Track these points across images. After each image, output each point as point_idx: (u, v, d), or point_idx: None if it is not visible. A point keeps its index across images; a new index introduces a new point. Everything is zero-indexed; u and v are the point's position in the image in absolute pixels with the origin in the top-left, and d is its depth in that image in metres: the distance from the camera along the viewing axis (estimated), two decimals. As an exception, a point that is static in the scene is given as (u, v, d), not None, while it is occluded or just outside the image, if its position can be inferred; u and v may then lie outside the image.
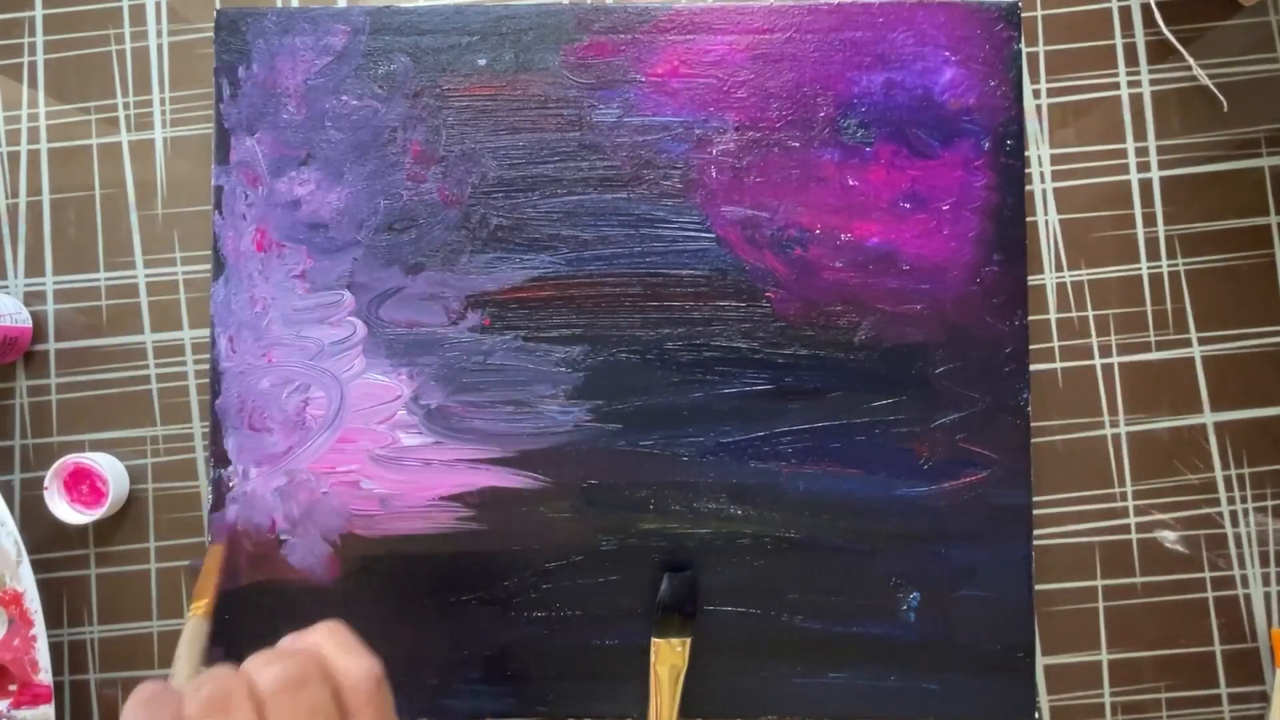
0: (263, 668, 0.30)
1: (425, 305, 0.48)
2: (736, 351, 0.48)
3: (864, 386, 0.48)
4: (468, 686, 0.47)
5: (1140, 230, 0.50)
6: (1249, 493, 0.49)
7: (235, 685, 0.29)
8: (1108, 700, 0.48)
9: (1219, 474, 0.49)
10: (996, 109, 0.48)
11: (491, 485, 0.48)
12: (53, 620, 0.49)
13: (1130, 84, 0.50)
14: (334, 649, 0.32)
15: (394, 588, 0.48)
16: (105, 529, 0.50)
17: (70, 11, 0.51)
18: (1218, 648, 0.49)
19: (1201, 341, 0.49)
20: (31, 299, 0.50)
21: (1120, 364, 0.49)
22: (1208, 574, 0.49)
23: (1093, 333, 0.49)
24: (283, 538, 0.48)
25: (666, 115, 0.48)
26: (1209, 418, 0.49)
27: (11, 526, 0.47)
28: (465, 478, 0.48)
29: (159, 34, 0.51)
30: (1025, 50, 0.50)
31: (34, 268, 0.50)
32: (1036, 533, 0.48)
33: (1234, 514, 0.49)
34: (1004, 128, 0.48)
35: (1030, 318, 0.48)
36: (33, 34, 0.51)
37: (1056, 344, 0.49)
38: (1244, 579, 0.49)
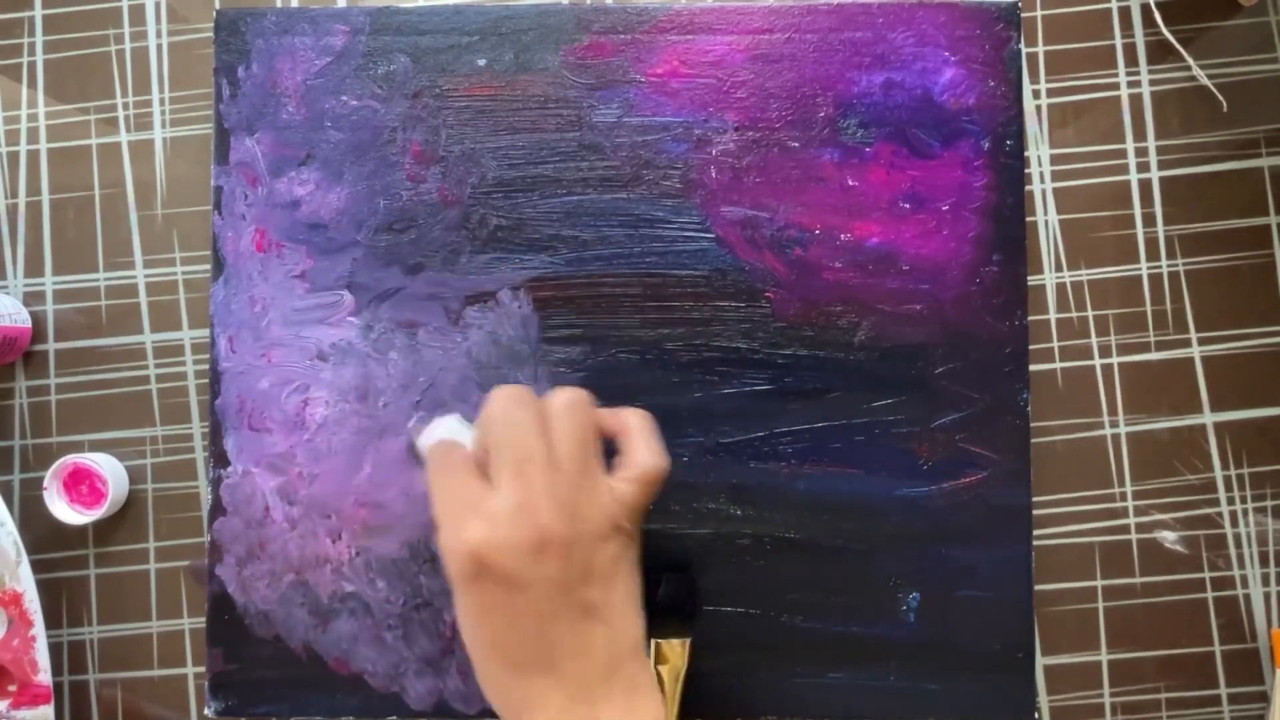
0: (558, 389, 0.38)
1: (425, 305, 0.48)
2: (736, 351, 0.48)
3: (864, 386, 0.48)
4: (469, 685, 0.47)
5: (1140, 230, 0.50)
6: (1249, 493, 0.49)
7: (528, 393, 0.38)
8: (1108, 700, 0.49)
9: (1219, 474, 0.49)
10: (996, 109, 0.48)
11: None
12: (52, 620, 0.49)
13: (1130, 84, 0.50)
14: (639, 425, 0.39)
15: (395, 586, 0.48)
16: (105, 529, 0.50)
17: (70, 11, 0.51)
18: (1218, 648, 0.49)
19: (1201, 341, 0.49)
20: (31, 299, 0.50)
21: (1120, 364, 0.49)
22: (1208, 574, 0.49)
23: (1092, 333, 0.49)
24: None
25: (666, 115, 0.48)
26: (1209, 418, 0.49)
27: (11, 527, 0.47)
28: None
29: (159, 34, 0.51)
30: (1025, 50, 0.50)
31: (34, 268, 0.50)
32: (1036, 533, 0.48)
33: (1234, 514, 0.49)
34: (1004, 128, 0.48)
35: (1030, 318, 0.48)
36: (32, 34, 0.51)
37: (1056, 344, 0.49)
38: (1244, 579, 0.49)
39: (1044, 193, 0.50)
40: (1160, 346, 0.49)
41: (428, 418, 0.47)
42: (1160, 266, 0.50)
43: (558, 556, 0.34)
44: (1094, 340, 0.49)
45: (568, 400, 0.38)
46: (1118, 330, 0.49)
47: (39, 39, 0.51)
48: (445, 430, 0.41)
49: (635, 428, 0.39)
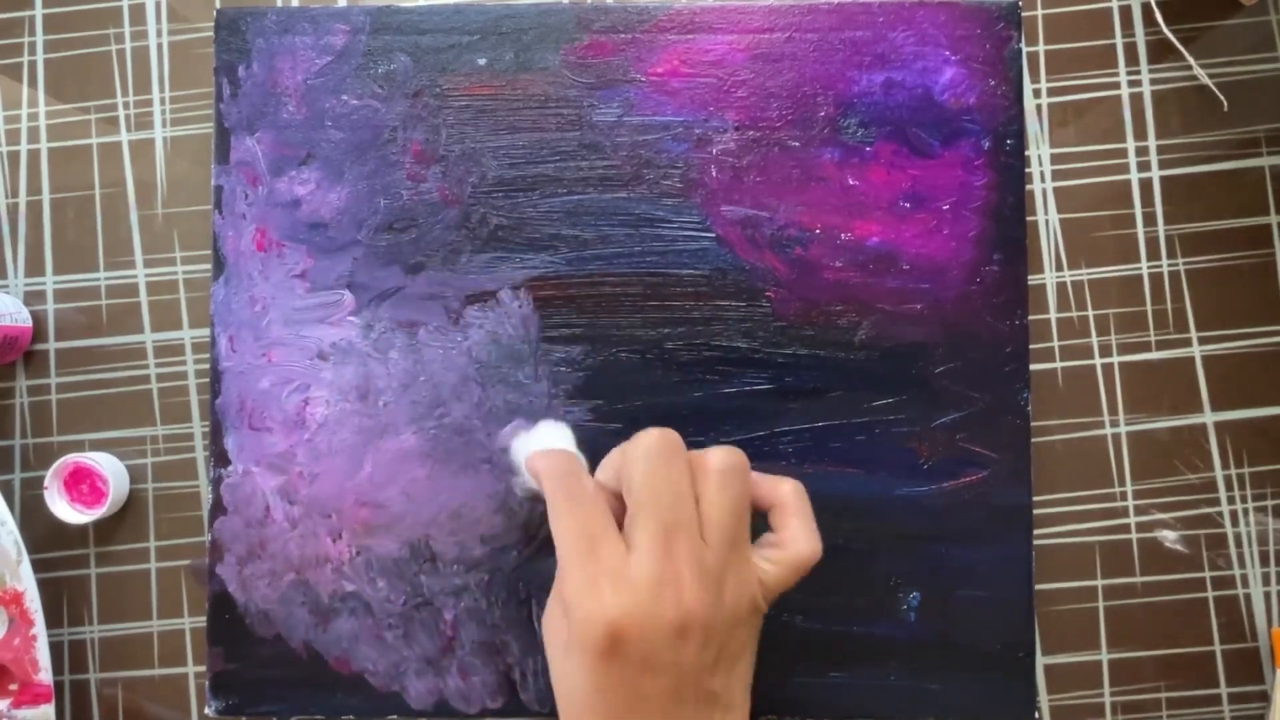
0: (716, 449, 0.34)
1: (425, 305, 0.48)
2: (737, 351, 0.48)
3: (864, 386, 0.48)
4: (469, 685, 0.47)
5: (1140, 230, 0.50)
6: (1249, 493, 0.49)
7: (680, 443, 0.34)
8: (1108, 700, 0.49)
9: (1219, 474, 0.49)
10: (997, 108, 0.48)
11: (491, 485, 0.48)
12: (53, 620, 0.49)
13: (1130, 84, 0.50)
14: (796, 504, 0.36)
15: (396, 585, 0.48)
16: (105, 529, 0.50)
17: (70, 11, 0.51)
18: (1218, 648, 0.49)
19: (1201, 341, 0.49)
20: (31, 299, 0.50)
21: (1120, 364, 0.49)
22: (1208, 574, 0.49)
23: (1093, 332, 0.49)
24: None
25: (666, 115, 0.48)
26: (1209, 418, 0.49)
27: (12, 526, 0.47)
28: (465, 477, 0.48)
29: (159, 34, 0.51)
30: (1025, 50, 0.50)
31: (34, 267, 0.51)
32: (1036, 533, 0.48)
33: (1234, 514, 0.49)
34: (1004, 127, 0.48)
35: (1030, 317, 0.48)
36: (33, 34, 0.51)
37: (1056, 344, 0.49)
38: (1244, 579, 0.49)
39: (1044, 192, 0.50)
40: (1160, 346, 0.49)
41: (525, 425, 0.46)
42: (1160, 266, 0.50)
43: (697, 642, 0.32)
44: (1094, 340, 0.49)
45: (726, 464, 0.34)
46: (1118, 330, 0.49)
47: (39, 39, 0.51)
48: (551, 437, 0.38)
49: (792, 505, 0.36)
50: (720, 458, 0.34)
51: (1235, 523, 0.49)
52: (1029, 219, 0.49)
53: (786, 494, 0.36)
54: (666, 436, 0.34)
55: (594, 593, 0.32)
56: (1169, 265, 0.50)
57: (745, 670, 0.35)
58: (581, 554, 0.33)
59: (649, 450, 0.34)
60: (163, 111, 0.51)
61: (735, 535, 0.34)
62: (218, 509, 0.48)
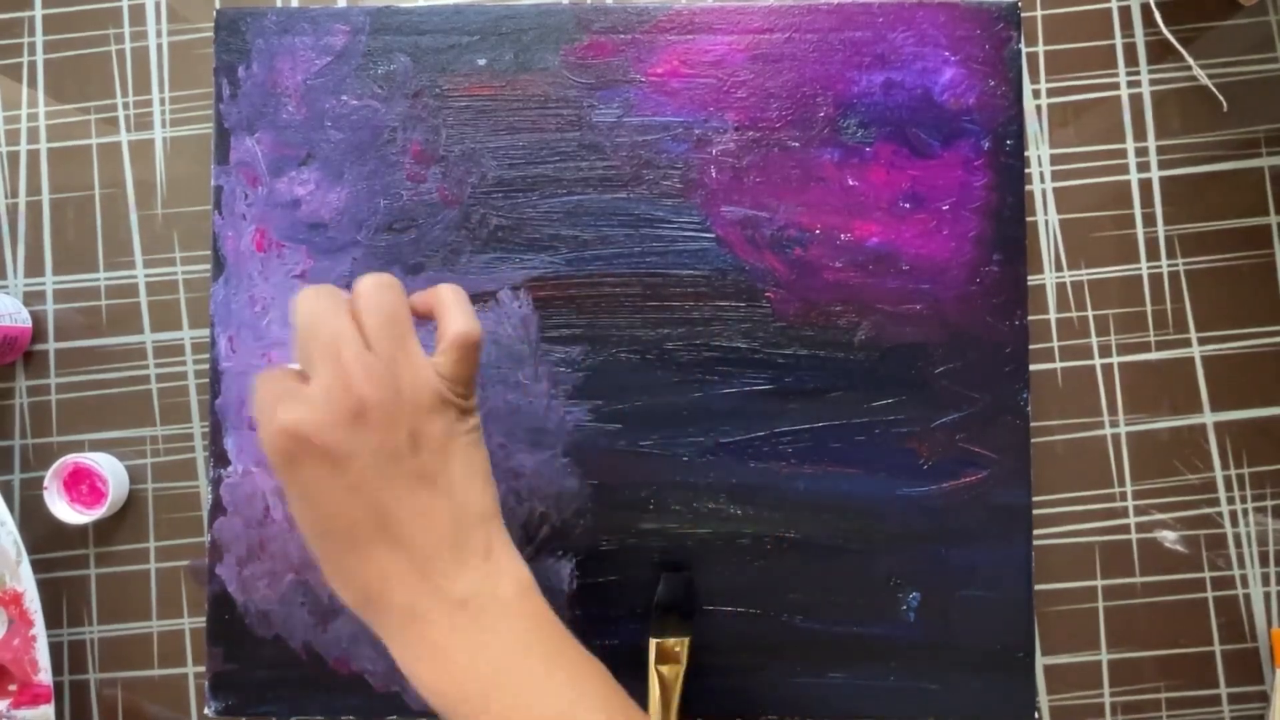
0: (364, 276, 0.36)
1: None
2: (736, 351, 0.48)
3: (864, 386, 0.48)
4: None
5: (1140, 230, 0.50)
6: (1249, 493, 0.49)
7: (331, 287, 0.36)
8: (1108, 700, 0.49)
9: (1219, 474, 0.49)
10: (996, 109, 0.48)
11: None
12: (53, 620, 0.49)
13: (1130, 84, 0.50)
14: (450, 297, 0.38)
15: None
16: (105, 529, 0.50)
17: (70, 11, 0.51)
18: (1218, 648, 0.49)
19: (1201, 341, 0.49)
20: (31, 299, 0.50)
21: (1120, 364, 0.49)
22: (1208, 574, 0.49)
23: (1093, 333, 0.49)
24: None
25: (666, 115, 0.48)
26: (1209, 418, 0.49)
27: (11, 526, 0.47)
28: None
29: (159, 34, 0.51)
30: (1025, 50, 0.50)
31: (34, 268, 0.50)
32: (1036, 533, 0.48)
33: (1234, 514, 0.49)
34: (1004, 128, 0.48)
35: (1030, 318, 0.48)
36: (33, 34, 0.51)
37: (1056, 344, 0.49)
38: (1244, 579, 0.49)
39: (1044, 192, 0.50)
40: (1160, 346, 0.49)
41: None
42: (1160, 266, 0.50)
43: (379, 426, 0.33)
44: (1094, 340, 0.49)
45: (373, 282, 0.36)
46: (1118, 330, 0.49)
47: (39, 39, 0.51)
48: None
49: (447, 300, 0.38)
50: (366, 279, 0.36)
51: (1235, 523, 0.49)
52: (1029, 219, 0.49)
53: (442, 293, 0.38)
54: (315, 287, 0.36)
55: (273, 416, 0.33)
56: (1169, 266, 0.50)
57: (463, 459, 0.36)
58: (263, 401, 0.34)
59: (300, 301, 0.35)
60: (163, 112, 0.51)
61: (396, 335, 0.35)
62: (217, 509, 0.48)
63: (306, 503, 0.34)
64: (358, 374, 0.33)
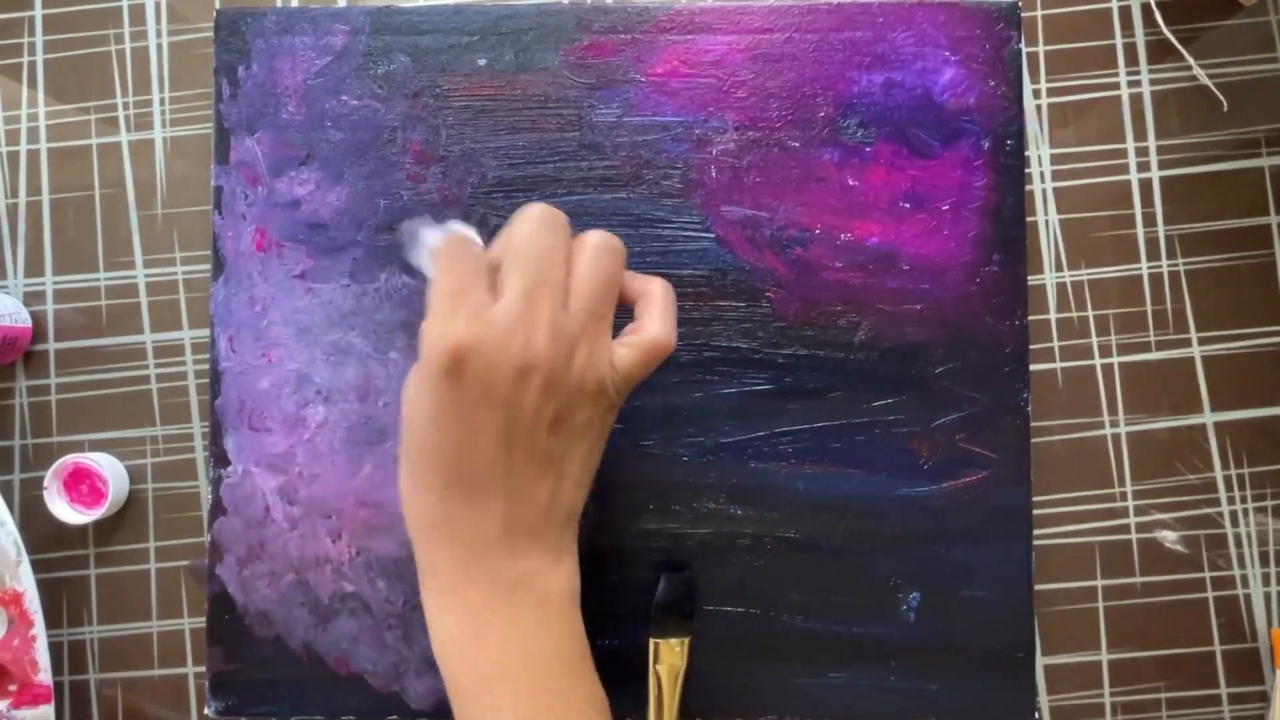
0: (595, 230, 0.36)
1: (425, 305, 0.48)
2: (736, 351, 0.48)
3: (864, 386, 0.48)
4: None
5: (1140, 230, 0.50)
6: (1249, 493, 0.49)
7: (563, 219, 0.35)
8: (1108, 700, 0.49)
9: (1219, 474, 0.49)
10: (996, 109, 0.48)
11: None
12: (53, 620, 0.49)
13: (1130, 84, 0.50)
14: (661, 297, 0.37)
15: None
16: (105, 529, 0.50)
17: (70, 11, 0.51)
18: (1218, 648, 0.49)
19: (1201, 341, 0.49)
20: (31, 299, 0.50)
21: (1120, 364, 0.49)
22: (1208, 574, 0.49)
23: (1093, 333, 0.49)
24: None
25: (666, 115, 0.48)
26: (1209, 418, 0.49)
27: (11, 526, 0.47)
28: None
29: (159, 34, 0.51)
30: (1025, 50, 0.50)
31: (34, 268, 0.51)
32: (1036, 533, 0.48)
33: (1234, 514, 0.49)
34: (1004, 128, 0.48)
35: (1030, 318, 0.48)
36: (33, 34, 0.51)
37: (1056, 344, 0.49)
38: (1244, 579, 0.49)
39: (1044, 192, 0.50)
40: (1160, 346, 0.49)
41: (432, 222, 0.45)
42: (1160, 266, 0.50)
43: (540, 389, 0.33)
44: (1094, 340, 0.49)
45: (603, 243, 0.35)
46: (1118, 330, 0.49)
47: (39, 39, 0.51)
48: (460, 230, 0.38)
49: (657, 297, 0.37)
50: (598, 235, 0.35)
51: (1235, 523, 0.49)
52: (1029, 219, 0.49)
53: (654, 287, 0.37)
54: (551, 209, 0.35)
55: (450, 320, 0.32)
56: (1169, 265, 0.50)
57: (588, 453, 0.36)
58: (447, 293, 0.33)
59: (531, 217, 0.34)
60: (162, 112, 0.51)
61: (597, 309, 0.34)
62: (217, 509, 0.48)
63: (432, 419, 0.33)
64: (545, 331, 0.33)
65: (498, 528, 0.33)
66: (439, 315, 0.33)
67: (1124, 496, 0.49)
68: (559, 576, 0.35)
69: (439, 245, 0.35)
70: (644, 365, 0.36)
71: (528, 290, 0.33)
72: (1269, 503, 0.49)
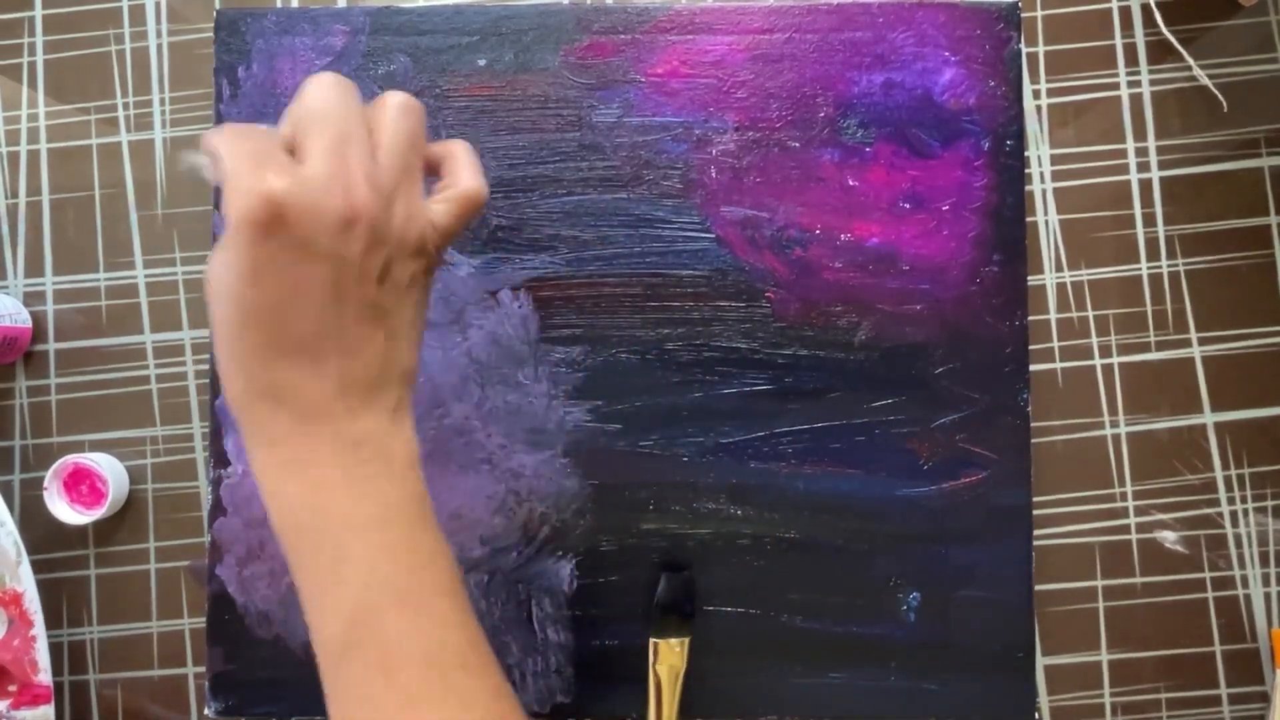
0: (389, 93, 0.34)
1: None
2: (736, 351, 0.48)
3: (864, 386, 0.48)
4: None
5: (1140, 230, 0.50)
6: (1249, 493, 0.49)
7: (352, 84, 0.33)
8: (1108, 700, 0.49)
9: (1219, 474, 0.49)
10: (996, 109, 0.48)
11: (491, 485, 0.48)
12: (53, 620, 0.49)
13: (1130, 84, 0.50)
14: (464, 152, 0.37)
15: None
16: (105, 529, 0.50)
17: (70, 11, 0.51)
18: (1218, 648, 0.49)
19: (1201, 341, 0.49)
20: (31, 299, 0.50)
21: (1120, 364, 0.49)
22: (1208, 574, 0.49)
23: (1093, 333, 0.49)
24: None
25: (666, 115, 0.48)
26: (1209, 418, 0.49)
27: (11, 527, 0.47)
28: (465, 478, 0.48)
29: (159, 34, 0.51)
30: (1025, 50, 0.50)
31: (34, 268, 0.51)
32: (1036, 533, 0.48)
33: (1234, 514, 0.49)
34: (1004, 128, 0.48)
35: (1030, 318, 0.48)
36: (33, 34, 0.51)
37: (1056, 344, 0.49)
38: (1244, 579, 0.49)
39: (1044, 193, 0.50)
40: (1160, 346, 0.49)
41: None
42: (1160, 266, 0.50)
43: (364, 240, 0.31)
44: (1094, 340, 0.49)
45: (401, 101, 0.34)
46: (1118, 330, 0.49)
47: (39, 39, 0.51)
48: None
49: (461, 154, 0.36)
50: (397, 94, 0.34)
51: (1235, 523, 0.49)
52: (1029, 219, 0.49)
53: (455, 147, 0.37)
54: (335, 76, 0.33)
55: (256, 174, 0.30)
56: (1169, 266, 0.50)
57: (415, 311, 0.35)
58: (243, 158, 0.31)
59: (319, 80, 0.33)
60: (163, 112, 0.51)
61: (407, 163, 0.34)
62: (217, 510, 0.48)
63: (247, 280, 0.31)
64: (360, 182, 0.31)
65: (334, 387, 0.32)
66: (243, 174, 0.30)
67: (1124, 496, 0.49)
68: (400, 438, 0.34)
69: (218, 133, 0.32)
70: (460, 218, 0.35)
71: (333, 145, 0.31)
72: (1269, 503, 0.49)
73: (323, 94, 0.33)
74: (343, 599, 0.32)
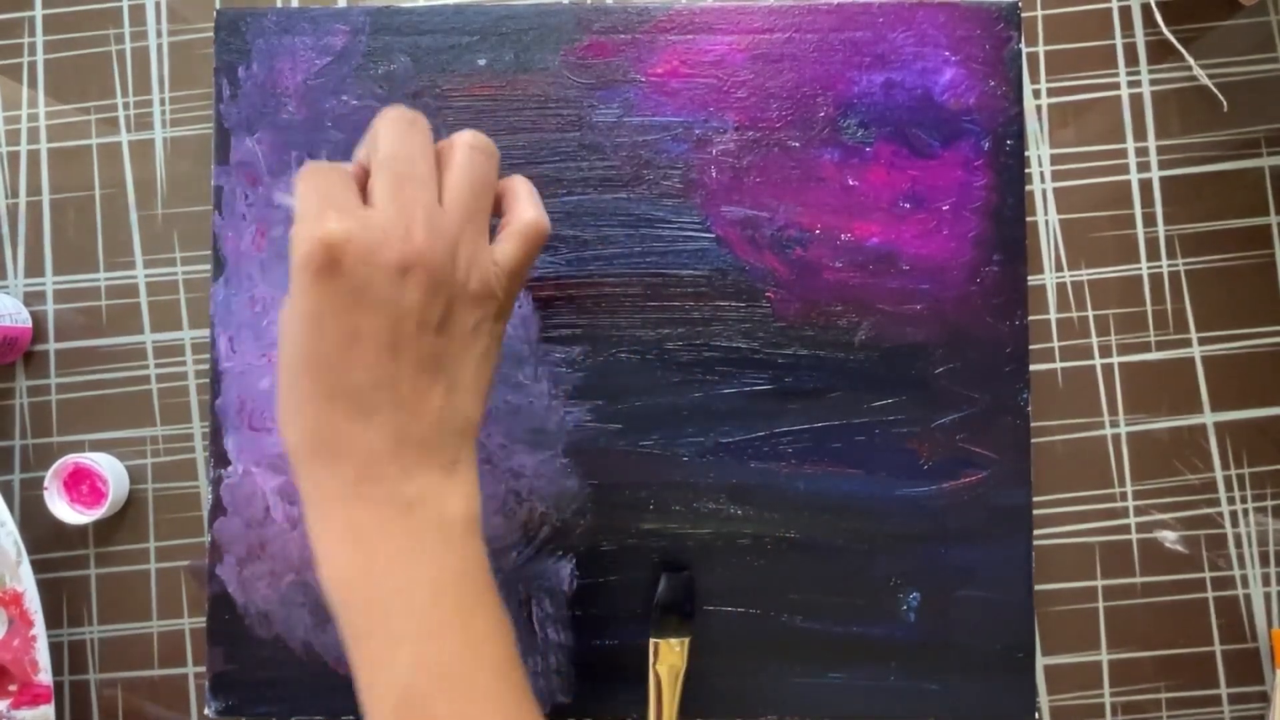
0: (466, 131, 0.34)
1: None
2: (737, 351, 0.48)
3: (864, 386, 0.48)
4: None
5: (1140, 230, 0.50)
6: (1249, 493, 0.49)
7: (424, 119, 0.33)
8: (1108, 700, 0.49)
9: (1219, 474, 0.49)
10: (996, 109, 0.48)
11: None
12: (53, 620, 0.49)
13: (1130, 84, 0.50)
14: (523, 188, 0.36)
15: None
16: (105, 529, 0.50)
17: (70, 11, 0.51)
18: (1218, 648, 0.49)
19: (1201, 341, 0.49)
20: (31, 299, 0.50)
21: (1120, 364, 0.49)
22: (1208, 574, 0.49)
23: (1093, 333, 0.49)
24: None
25: (666, 115, 0.48)
26: (1209, 418, 0.49)
27: (11, 526, 0.47)
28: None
29: (159, 34, 0.51)
30: (1025, 50, 0.50)
31: (34, 268, 0.51)
32: (1036, 533, 0.48)
33: (1234, 514, 0.49)
34: (1004, 128, 0.48)
35: (1030, 318, 0.48)
36: (33, 34, 0.51)
37: (1056, 344, 0.49)
38: (1244, 579, 0.49)
39: (1044, 193, 0.50)
40: (1160, 346, 0.49)
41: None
42: (1160, 266, 0.50)
43: (422, 287, 0.31)
44: (1094, 340, 0.49)
45: (475, 140, 0.33)
46: (1118, 330, 0.49)
47: (39, 39, 0.51)
48: None
49: (520, 190, 0.36)
50: (470, 134, 0.34)
51: (1235, 523, 0.49)
52: (1029, 219, 0.49)
53: (515, 183, 0.36)
54: (411, 111, 0.33)
55: (319, 219, 0.30)
56: (1169, 265, 0.50)
57: (480, 361, 0.33)
58: (312, 200, 0.31)
59: (391, 118, 0.33)
60: (163, 112, 0.51)
61: (474, 209, 0.33)
62: (217, 509, 0.48)
63: (306, 324, 0.31)
64: (422, 226, 0.31)
65: (388, 442, 0.31)
66: (307, 218, 0.30)
67: (1124, 496, 0.49)
68: (457, 496, 0.33)
69: (301, 171, 0.33)
70: (525, 254, 0.35)
71: (397, 185, 0.31)
72: (1269, 503, 0.49)
73: (389, 131, 0.32)
74: (393, 682, 0.32)
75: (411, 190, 0.31)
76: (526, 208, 0.35)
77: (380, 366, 0.31)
